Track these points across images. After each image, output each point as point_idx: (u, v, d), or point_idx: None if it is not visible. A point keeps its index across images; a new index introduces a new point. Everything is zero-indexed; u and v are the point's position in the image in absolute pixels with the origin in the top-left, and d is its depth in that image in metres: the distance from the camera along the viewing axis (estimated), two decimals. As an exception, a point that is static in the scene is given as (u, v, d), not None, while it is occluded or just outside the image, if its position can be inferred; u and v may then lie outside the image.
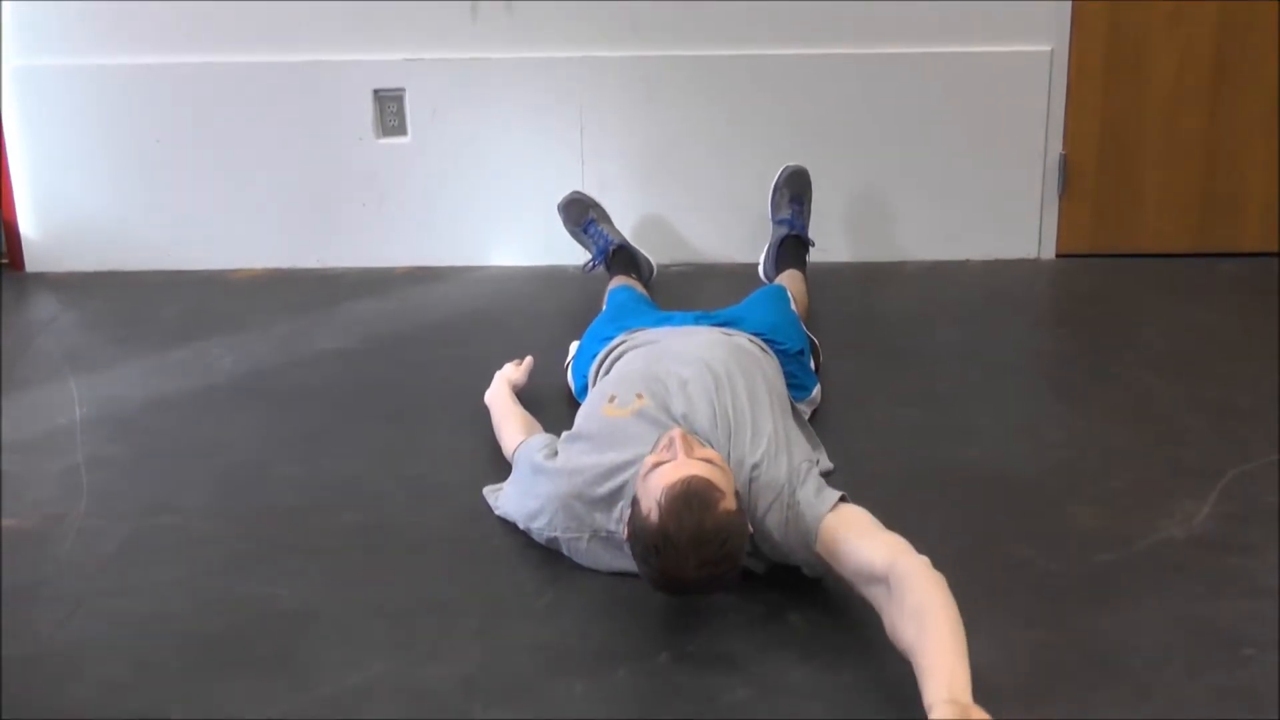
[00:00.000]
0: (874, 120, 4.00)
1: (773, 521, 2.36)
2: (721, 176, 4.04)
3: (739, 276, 3.83)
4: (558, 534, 2.52)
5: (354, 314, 3.81)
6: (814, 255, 3.74)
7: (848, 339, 3.50)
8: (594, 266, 3.78)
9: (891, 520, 2.33)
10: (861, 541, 2.26)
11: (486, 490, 2.76)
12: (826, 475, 2.71)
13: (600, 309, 3.43)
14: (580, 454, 2.54)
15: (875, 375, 3.34)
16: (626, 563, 2.37)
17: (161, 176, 4.09)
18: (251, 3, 3.94)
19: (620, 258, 3.73)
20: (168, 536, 2.70)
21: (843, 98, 3.98)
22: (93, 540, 2.68)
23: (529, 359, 3.19)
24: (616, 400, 2.60)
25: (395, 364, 3.49)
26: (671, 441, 2.31)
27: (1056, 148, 4.00)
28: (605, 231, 3.78)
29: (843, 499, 2.36)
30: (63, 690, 2.24)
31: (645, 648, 2.31)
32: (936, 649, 2.01)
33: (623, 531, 2.35)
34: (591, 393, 2.84)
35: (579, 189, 3.91)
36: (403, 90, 4.02)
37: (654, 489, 2.23)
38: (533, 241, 4.09)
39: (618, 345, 2.97)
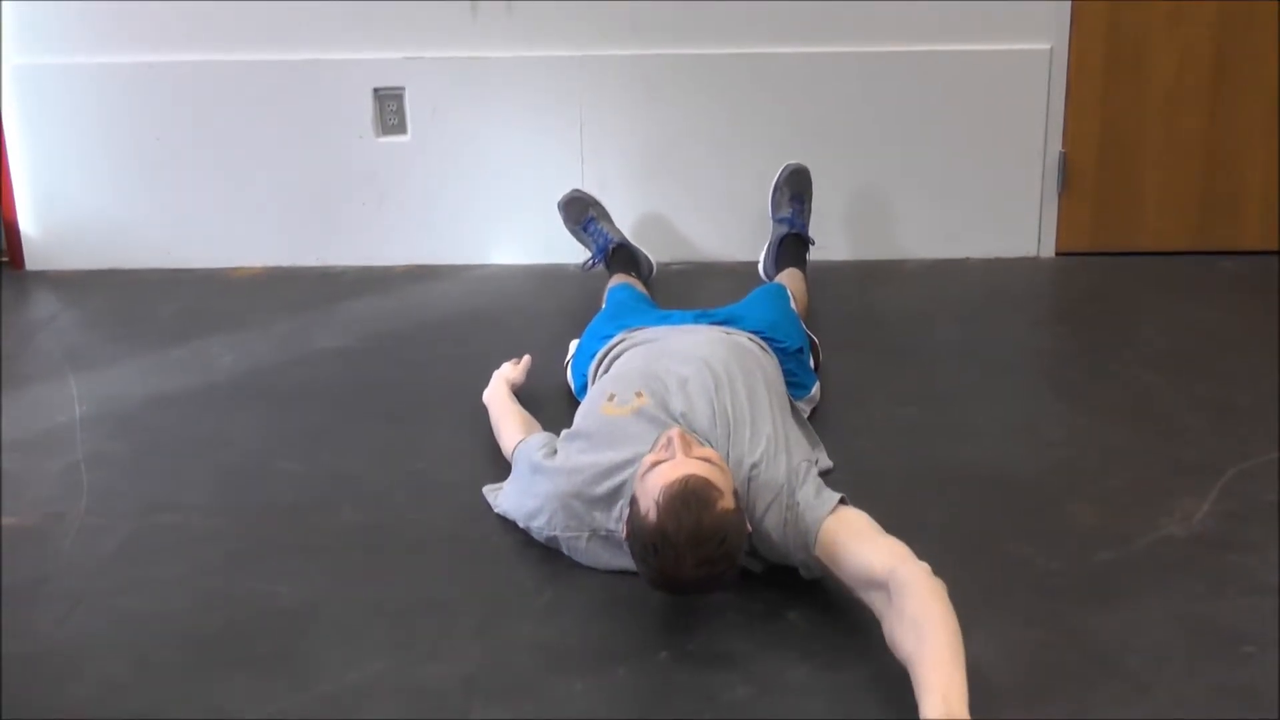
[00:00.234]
0: (874, 119, 4.00)
1: (771, 522, 2.36)
2: (721, 175, 4.04)
3: (739, 275, 3.83)
4: (557, 533, 2.52)
5: (354, 312, 3.81)
6: (814, 253, 3.74)
7: (847, 337, 3.50)
8: (594, 265, 3.78)
9: (891, 518, 2.33)
10: (861, 546, 2.25)
11: (486, 489, 2.76)
12: (825, 474, 2.71)
13: (600, 307, 3.43)
14: (579, 453, 2.54)
15: (875, 374, 3.34)
16: (626, 561, 2.37)
17: (161, 175, 4.09)
18: (251, 2, 3.94)
19: (620, 256, 3.73)
20: (168, 534, 2.70)
21: (843, 96, 3.98)
22: (93, 538, 2.68)
23: (526, 358, 3.19)
24: (616, 399, 2.60)
25: (395, 362, 3.49)
26: (670, 441, 2.31)
27: (1056, 146, 4.00)
28: (605, 230, 3.78)
29: (842, 501, 2.36)
30: (63, 688, 2.24)
31: (645, 646, 2.31)
32: (934, 661, 2.01)
33: (622, 530, 2.35)
34: (591, 391, 2.84)
35: (579, 187, 3.91)
36: (403, 89, 4.02)
37: (652, 488, 2.23)
38: (532, 240, 4.09)
39: (617, 343, 2.97)
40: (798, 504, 2.35)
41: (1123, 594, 2.42)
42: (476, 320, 3.74)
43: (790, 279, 3.50)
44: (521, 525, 2.61)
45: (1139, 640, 2.30)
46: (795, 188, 3.76)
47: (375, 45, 3.98)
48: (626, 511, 2.33)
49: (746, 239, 3.98)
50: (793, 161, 3.80)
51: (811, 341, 3.18)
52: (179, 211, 4.11)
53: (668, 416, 2.51)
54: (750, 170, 3.97)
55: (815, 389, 3.06)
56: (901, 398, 3.21)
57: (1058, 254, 4.09)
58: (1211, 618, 2.35)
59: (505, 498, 2.69)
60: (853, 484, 2.58)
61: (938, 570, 2.16)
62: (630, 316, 3.15)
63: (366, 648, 2.32)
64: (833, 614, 2.37)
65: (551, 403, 3.10)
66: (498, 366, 3.15)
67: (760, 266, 3.78)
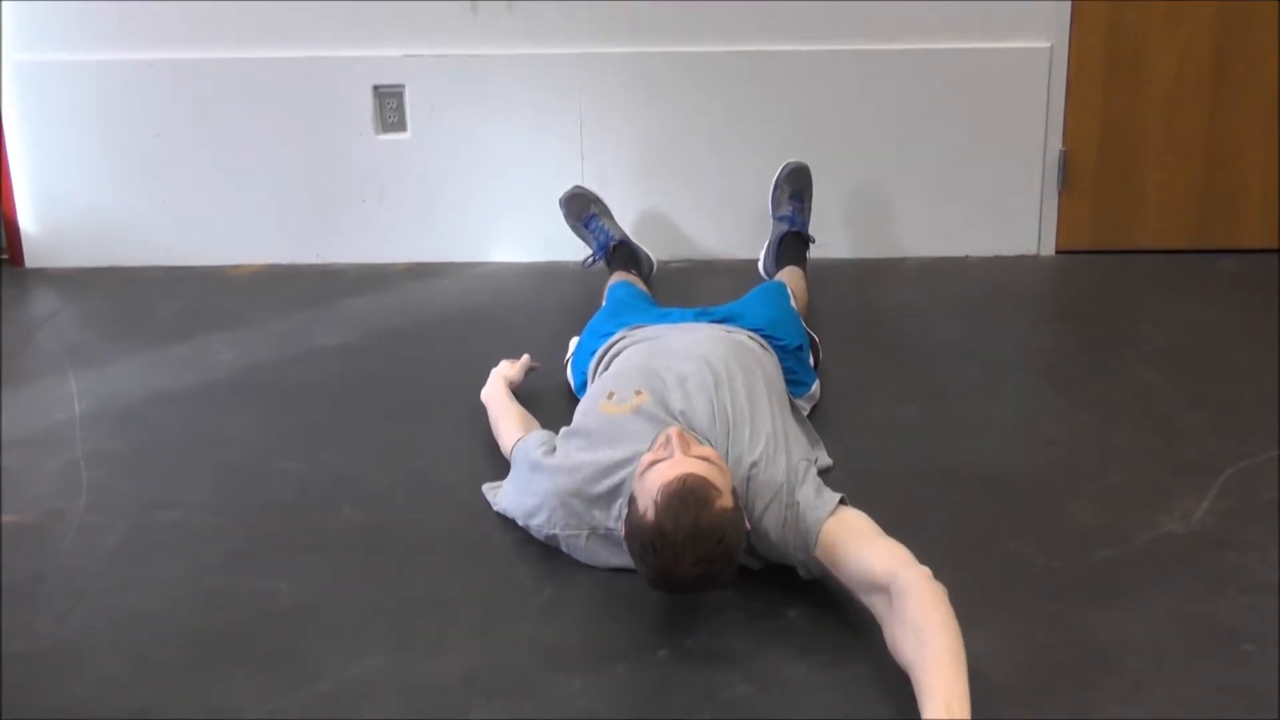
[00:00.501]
0: (874, 117, 4.00)
1: (771, 521, 2.36)
2: (721, 173, 4.04)
3: (739, 273, 3.82)
4: (556, 531, 2.52)
5: (354, 310, 3.81)
6: (814, 251, 3.74)
7: (847, 335, 3.50)
8: (594, 262, 3.77)
9: (890, 517, 2.33)
10: (862, 548, 2.25)
11: (485, 487, 2.76)
12: (825, 472, 2.71)
13: (600, 305, 3.43)
14: (578, 450, 2.54)
15: (875, 372, 3.34)
16: (625, 559, 2.37)
17: (161, 172, 4.09)
18: (251, 0, 3.95)
19: (620, 254, 3.73)
20: (167, 532, 2.70)
21: (843, 94, 3.98)
22: (92, 536, 2.68)
23: (525, 357, 3.19)
24: (615, 397, 2.60)
25: (395, 360, 3.49)
26: (668, 439, 2.31)
27: (1056, 144, 4.00)
28: (606, 227, 3.78)
29: (842, 501, 2.36)
30: (62, 686, 2.24)
31: (644, 644, 2.31)
32: (936, 667, 2.01)
33: (621, 529, 2.35)
34: (590, 389, 2.84)
35: (579, 184, 3.91)
36: (402, 86, 4.01)
37: (650, 487, 2.23)
38: (532, 237, 4.09)
39: (617, 341, 2.97)
40: (797, 503, 2.35)
41: (1122, 592, 2.42)
42: (476, 318, 3.74)
43: (790, 277, 3.50)
44: (521, 523, 2.61)
45: (1139, 638, 2.30)
46: (795, 186, 3.76)
47: (375, 43, 3.98)
48: (625, 510, 2.33)
49: (746, 237, 3.98)
50: (793, 159, 3.79)
51: (811, 339, 3.18)
52: (179, 209, 4.11)
53: (667, 415, 2.51)
54: (750, 168, 3.97)
55: (815, 387, 3.06)
56: (901, 396, 3.21)
57: (1058, 252, 4.09)
58: (1211, 616, 2.35)
59: (504, 496, 2.69)
60: (852, 482, 2.58)
61: (938, 569, 2.16)
62: (630, 314, 3.15)
63: (366, 646, 2.32)
64: (832, 612, 2.36)
65: (551, 400, 3.10)
66: (497, 365, 3.15)
67: (760, 264, 3.78)
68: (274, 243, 4.13)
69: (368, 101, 4.02)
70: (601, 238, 3.75)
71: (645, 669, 2.25)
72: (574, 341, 3.24)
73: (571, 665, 2.26)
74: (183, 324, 3.73)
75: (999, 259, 4.08)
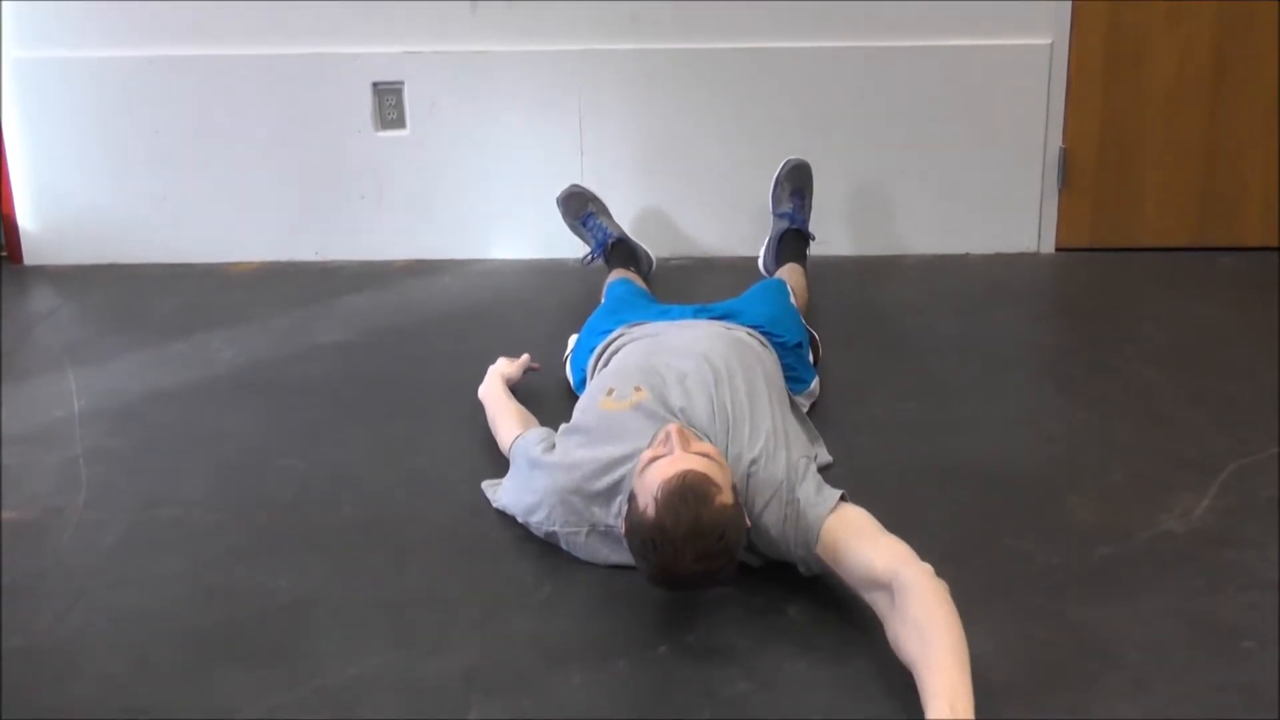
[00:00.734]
0: (875, 114, 4.00)
1: (771, 518, 2.36)
2: (722, 170, 4.04)
3: (739, 270, 3.82)
4: (556, 528, 2.52)
5: (353, 307, 3.81)
6: (814, 249, 3.73)
7: (848, 332, 3.50)
8: (593, 259, 3.77)
9: (890, 513, 2.33)
10: (863, 546, 2.25)
11: (485, 485, 2.76)
12: (825, 469, 2.71)
13: (599, 302, 3.42)
14: (577, 447, 2.54)
15: (875, 369, 3.34)
16: (625, 557, 2.37)
17: (161, 169, 4.08)
18: (250, -4, 3.95)
19: (619, 251, 3.72)
20: (167, 529, 2.70)
21: (844, 91, 3.98)
22: (92, 533, 2.68)
23: (525, 356, 3.19)
24: (615, 394, 2.60)
25: (394, 357, 3.49)
26: (668, 436, 2.31)
27: (1056, 142, 4.00)
28: (604, 225, 3.78)
29: (842, 498, 2.36)
30: (62, 683, 2.24)
31: (644, 640, 2.31)
32: (939, 665, 2.01)
33: (621, 526, 2.35)
34: (590, 386, 2.84)
35: (578, 182, 3.90)
36: (402, 83, 4.01)
37: (650, 483, 2.23)
38: (532, 234, 4.09)
39: (616, 338, 2.96)
40: (797, 500, 2.34)
41: (1122, 589, 2.42)
42: (476, 315, 3.74)
43: (790, 274, 3.50)
44: (520, 520, 2.60)
45: (1139, 636, 2.29)
46: (796, 183, 3.76)
47: (374, 39, 3.98)
48: (625, 507, 2.33)
49: (747, 234, 3.98)
50: (793, 157, 3.79)
51: (811, 336, 3.18)
52: (178, 206, 4.11)
53: (666, 412, 2.50)
54: (750, 165, 3.96)
55: (814, 384, 3.06)
56: (901, 393, 3.21)
57: (1058, 249, 4.09)
58: (1211, 613, 2.35)
59: (504, 493, 2.69)
60: (852, 479, 2.58)
61: (938, 566, 2.16)
62: (629, 311, 3.15)
63: (366, 642, 2.32)
64: (832, 609, 2.36)
65: (550, 397, 3.10)
66: (495, 362, 3.15)
67: (760, 261, 3.77)
68: (273, 240, 4.13)
69: (367, 98, 4.02)
70: (599, 236, 3.75)
71: (645, 666, 2.25)
72: (573, 339, 3.24)
73: (571, 662, 2.26)
74: (182, 321, 3.73)
75: (999, 256, 4.08)
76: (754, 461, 2.40)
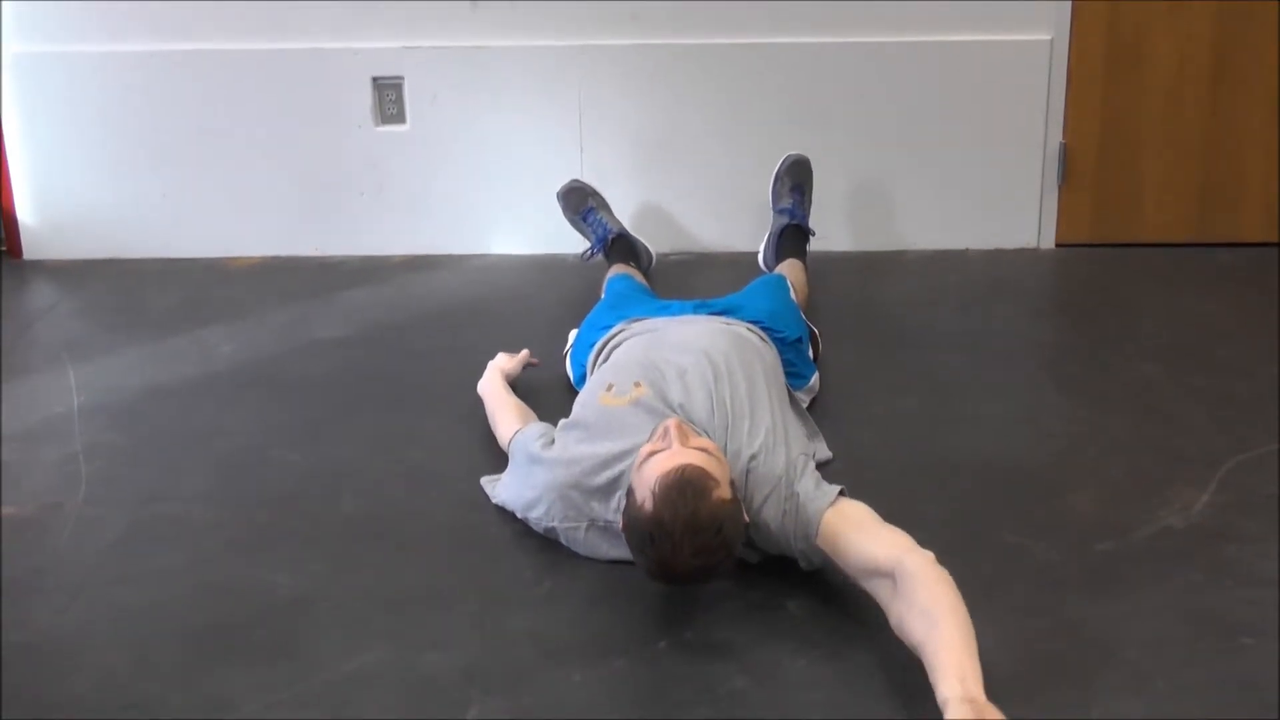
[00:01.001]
0: (875, 109, 3.99)
1: (770, 513, 2.36)
2: (721, 165, 4.04)
3: (739, 266, 3.82)
4: (555, 524, 2.52)
5: (352, 302, 3.81)
6: (814, 244, 3.73)
7: (847, 328, 3.50)
8: (593, 255, 3.77)
9: (890, 509, 2.33)
10: (864, 536, 2.26)
11: (484, 480, 2.76)
12: (824, 465, 2.71)
13: (599, 297, 3.42)
14: (577, 443, 2.54)
15: (875, 364, 3.34)
16: (624, 552, 2.37)
17: (160, 164, 4.08)
18: (250, -10, 3.94)
19: (619, 246, 3.72)
20: (166, 525, 2.70)
21: (843, 87, 3.98)
22: (91, 528, 2.68)
23: (524, 352, 3.19)
24: (614, 389, 2.60)
25: (393, 352, 3.49)
26: (667, 430, 2.31)
27: (1056, 137, 3.99)
28: (604, 220, 3.78)
29: (841, 493, 2.36)
30: (61, 679, 2.24)
31: (643, 636, 2.31)
32: (947, 646, 2.01)
33: (620, 521, 2.35)
34: (589, 381, 2.84)
35: (578, 177, 3.90)
36: (401, 78, 4.01)
37: (649, 478, 2.23)
38: (531, 230, 4.09)
39: (616, 334, 2.96)
40: (796, 495, 2.35)
41: (1122, 585, 2.42)
42: (475, 311, 3.74)
43: (790, 270, 3.50)
44: (519, 516, 2.60)
45: (1138, 631, 2.30)
46: (796, 178, 3.76)
47: (374, 34, 3.97)
48: (624, 502, 2.33)
49: (746, 230, 3.97)
50: (793, 152, 3.79)
51: (811, 332, 3.18)
52: (177, 201, 4.11)
53: (666, 407, 2.50)
54: (750, 161, 3.96)
55: (814, 379, 3.06)
56: (901, 388, 3.21)
57: (1058, 245, 4.09)
58: (1210, 609, 2.35)
59: (503, 488, 2.69)
60: (852, 475, 2.58)
61: (937, 558, 2.16)
62: (629, 307, 3.14)
63: (365, 637, 2.32)
64: (831, 604, 2.36)
65: (550, 393, 3.10)
66: (494, 357, 3.15)
67: (760, 257, 3.77)
68: (273, 235, 4.13)
69: (367, 93, 4.02)
70: (600, 231, 3.75)
71: (644, 661, 2.25)
72: (573, 334, 3.24)
73: (570, 658, 2.26)
74: (181, 316, 3.73)
75: (999, 252, 4.08)
76: (754, 457, 2.40)
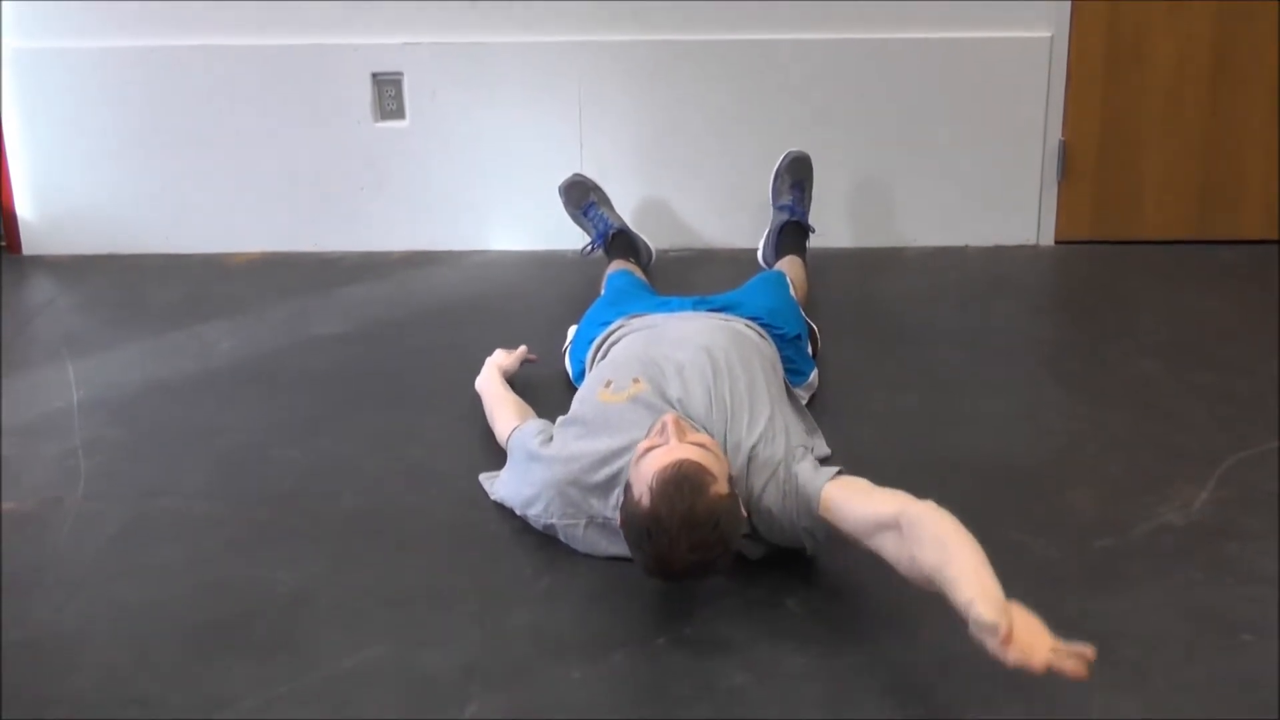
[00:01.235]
0: (875, 106, 3.99)
1: (771, 498, 2.36)
2: (721, 162, 4.04)
3: (739, 262, 3.82)
4: (554, 520, 2.52)
5: (352, 298, 3.81)
6: (814, 241, 3.73)
7: (847, 325, 3.50)
8: (592, 250, 3.77)
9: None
10: (866, 498, 2.28)
11: (482, 477, 2.76)
12: (823, 461, 2.71)
13: (598, 294, 3.42)
14: (575, 440, 2.54)
15: (874, 361, 3.34)
16: (624, 549, 2.37)
17: (159, 160, 4.08)
18: (250, -14, 3.94)
19: (619, 242, 3.72)
20: (166, 520, 2.70)
21: (844, 84, 3.98)
22: (91, 524, 2.68)
23: (522, 348, 3.19)
24: (613, 385, 2.60)
25: (393, 349, 3.49)
26: (664, 426, 2.31)
27: (1056, 134, 3.99)
28: (605, 215, 3.78)
29: (840, 474, 2.37)
30: (61, 675, 2.24)
31: (642, 632, 2.31)
32: (963, 562, 2.04)
33: (618, 517, 2.35)
34: (588, 378, 2.83)
35: (579, 172, 3.90)
36: (401, 74, 4.01)
37: (646, 473, 2.23)
38: (531, 226, 4.09)
39: (615, 330, 2.96)
40: (795, 475, 2.36)
41: (1121, 582, 2.42)
42: (475, 306, 3.74)
43: (790, 266, 3.50)
44: (519, 513, 2.60)
45: (1137, 628, 2.30)
46: (796, 175, 3.75)
47: (374, 30, 3.97)
48: (622, 498, 2.33)
49: (746, 226, 3.97)
50: (794, 149, 3.79)
51: (810, 329, 3.18)
52: (177, 196, 4.11)
53: (664, 403, 2.50)
54: (751, 157, 3.96)
55: (813, 376, 3.06)
56: (900, 385, 3.21)
57: (1057, 242, 4.09)
58: (1210, 606, 2.36)
59: (502, 485, 2.69)
60: (851, 471, 2.56)
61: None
62: (629, 303, 3.14)
63: (364, 634, 2.32)
64: (831, 602, 2.37)
65: (549, 389, 3.10)
66: (493, 354, 3.15)
67: (760, 254, 3.77)
68: (272, 231, 4.13)
69: (366, 89, 4.01)
70: (600, 226, 3.75)
71: (643, 658, 2.25)
72: (572, 330, 3.23)
73: (569, 654, 2.26)
74: (181, 312, 3.72)
75: (999, 249, 4.07)
76: (754, 446, 2.41)
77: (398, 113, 4.04)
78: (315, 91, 4.02)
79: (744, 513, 2.32)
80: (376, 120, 4.05)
